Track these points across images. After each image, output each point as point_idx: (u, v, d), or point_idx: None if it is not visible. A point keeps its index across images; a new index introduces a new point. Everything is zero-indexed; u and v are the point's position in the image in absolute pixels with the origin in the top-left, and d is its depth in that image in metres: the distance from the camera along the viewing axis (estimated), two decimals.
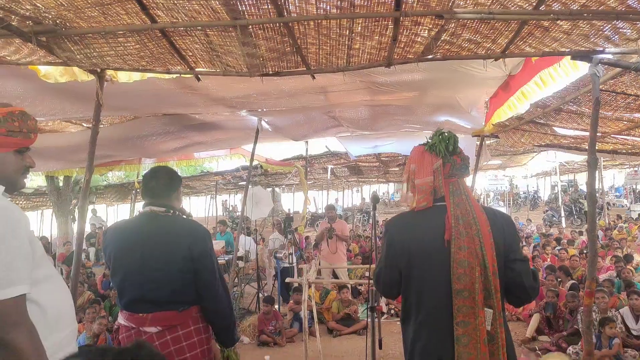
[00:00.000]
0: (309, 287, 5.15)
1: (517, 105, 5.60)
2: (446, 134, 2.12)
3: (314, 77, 3.91)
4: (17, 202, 16.10)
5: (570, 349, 5.60)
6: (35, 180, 11.67)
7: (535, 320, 6.43)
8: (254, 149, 7.38)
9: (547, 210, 22.48)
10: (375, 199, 2.65)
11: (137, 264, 2.39)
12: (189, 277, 2.39)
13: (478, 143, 7.92)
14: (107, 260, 2.55)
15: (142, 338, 2.35)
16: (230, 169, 13.17)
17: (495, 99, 5.95)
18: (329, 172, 14.97)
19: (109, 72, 3.60)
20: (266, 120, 7.30)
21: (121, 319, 2.46)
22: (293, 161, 12.24)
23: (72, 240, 11.46)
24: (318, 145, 11.71)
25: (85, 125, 6.97)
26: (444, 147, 2.09)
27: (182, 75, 3.71)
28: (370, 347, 2.57)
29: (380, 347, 2.73)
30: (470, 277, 1.92)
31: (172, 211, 2.51)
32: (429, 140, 2.15)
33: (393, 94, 5.78)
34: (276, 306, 7.62)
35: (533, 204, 28.85)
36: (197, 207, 33.16)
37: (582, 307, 5.96)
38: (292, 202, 29.81)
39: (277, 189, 26.37)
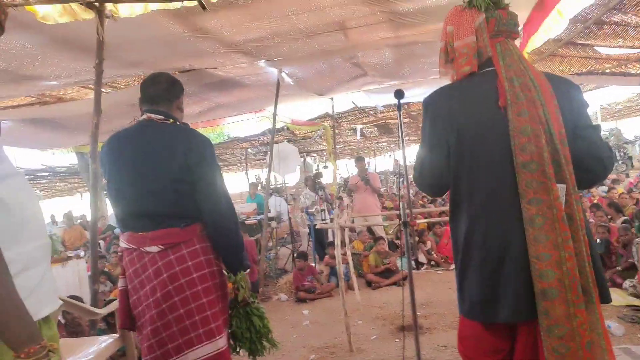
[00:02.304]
0: (342, 235, 4.95)
1: (553, 26, 5.17)
2: None
3: None
4: (54, 184, 16.38)
5: (627, 283, 5.23)
6: (66, 157, 11.65)
7: None
8: (276, 100, 7.14)
9: None
10: (399, 94, 2.35)
11: (130, 175, 2.19)
12: (187, 188, 2.17)
13: None
14: (103, 174, 2.37)
15: (144, 260, 2.15)
16: (256, 133, 12.98)
17: (529, 25, 5.51)
18: (357, 133, 14.64)
19: (109, 7, 3.38)
20: (287, 71, 7.05)
21: (122, 242, 2.27)
22: (319, 121, 11.93)
23: (106, 215, 11.49)
24: (345, 102, 11.34)
25: (104, 91, 6.87)
26: None
27: (185, 4, 3.44)
28: (407, 264, 2.32)
29: (418, 268, 2.48)
30: (536, 146, 1.59)
31: (171, 120, 2.29)
32: None
33: (417, 27, 5.40)
34: (312, 264, 7.47)
35: None
36: (232, 184, 33.34)
37: (636, 240, 5.57)
38: (324, 172, 29.48)
39: (308, 159, 26.15)
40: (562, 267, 1.54)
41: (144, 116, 2.29)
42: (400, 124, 2.33)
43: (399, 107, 2.36)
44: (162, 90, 2.30)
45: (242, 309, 2.37)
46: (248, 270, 2.37)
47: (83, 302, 4.25)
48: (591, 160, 1.69)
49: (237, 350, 2.41)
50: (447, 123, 1.70)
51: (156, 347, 2.09)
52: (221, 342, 2.16)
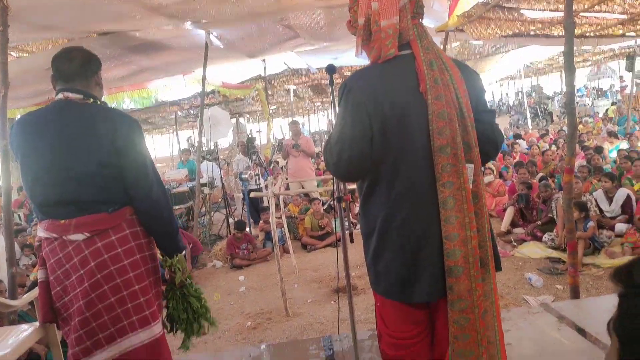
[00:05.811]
0: (276, 200, 4.91)
1: None
2: None
3: None
4: None
5: (546, 236, 5.58)
6: None
7: (509, 213, 6.40)
8: (204, 66, 6.87)
9: (512, 115, 22.59)
10: (331, 69, 2.30)
11: (49, 161, 2.01)
12: (114, 173, 2.03)
13: (441, 46, 7.53)
14: (15, 157, 2.16)
15: (68, 249, 2.01)
16: (186, 96, 12.51)
17: None
18: (291, 94, 14.46)
19: None
20: (215, 34, 6.76)
21: (41, 231, 2.09)
22: (251, 83, 11.65)
23: None
24: (277, 64, 11.11)
25: (14, 54, 6.33)
26: None
27: None
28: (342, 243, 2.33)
29: (352, 241, 2.51)
30: (450, 130, 1.62)
31: (91, 99, 2.12)
32: None
33: None
34: (247, 229, 7.43)
35: (498, 111, 28.94)
36: (162, 146, 32.23)
37: (555, 195, 5.92)
38: (258, 132, 28.98)
39: (241, 119, 25.67)
40: (467, 245, 1.63)
41: (60, 95, 2.07)
42: (333, 98, 2.26)
43: (331, 81, 2.30)
44: (77, 67, 2.09)
45: (179, 290, 2.30)
46: (184, 252, 2.28)
47: (3, 283, 4.01)
48: (487, 142, 1.77)
49: (174, 331, 2.36)
50: (372, 110, 1.65)
51: (86, 338, 1.99)
52: (157, 329, 2.08)
